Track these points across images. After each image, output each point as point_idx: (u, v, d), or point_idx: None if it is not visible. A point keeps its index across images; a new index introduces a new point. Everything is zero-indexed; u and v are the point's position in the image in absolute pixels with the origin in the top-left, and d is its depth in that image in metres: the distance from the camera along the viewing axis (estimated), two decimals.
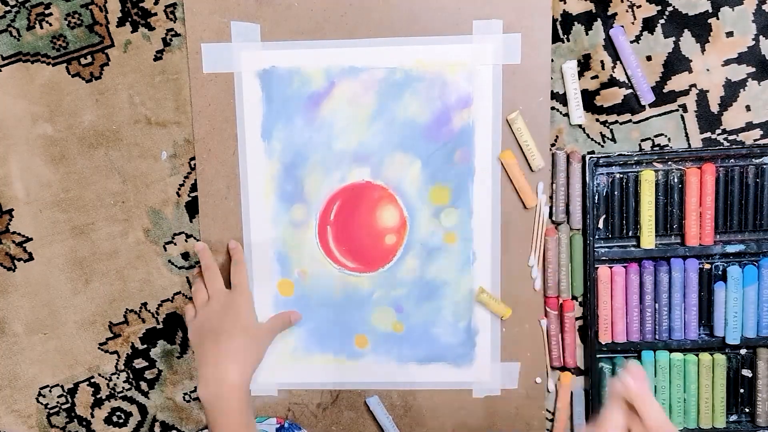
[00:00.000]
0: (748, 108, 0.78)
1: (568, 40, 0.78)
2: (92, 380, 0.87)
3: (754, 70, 0.77)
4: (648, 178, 0.78)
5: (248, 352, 0.76)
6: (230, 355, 0.74)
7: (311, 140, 0.80)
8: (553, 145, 0.80)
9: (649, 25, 0.77)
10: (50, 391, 0.87)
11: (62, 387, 0.87)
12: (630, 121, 0.79)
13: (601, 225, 0.80)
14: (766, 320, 0.79)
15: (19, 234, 0.84)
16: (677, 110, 0.79)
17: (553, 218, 0.80)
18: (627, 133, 0.79)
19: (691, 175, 0.78)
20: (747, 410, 0.82)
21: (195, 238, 0.83)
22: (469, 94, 0.78)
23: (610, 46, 0.78)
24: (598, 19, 0.77)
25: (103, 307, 0.85)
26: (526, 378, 0.83)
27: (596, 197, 0.79)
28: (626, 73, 0.78)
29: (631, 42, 0.77)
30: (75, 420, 0.88)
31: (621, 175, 0.79)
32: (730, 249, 0.79)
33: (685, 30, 0.77)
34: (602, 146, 0.80)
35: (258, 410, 0.85)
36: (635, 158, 0.78)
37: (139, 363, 0.86)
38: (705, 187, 0.78)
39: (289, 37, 0.79)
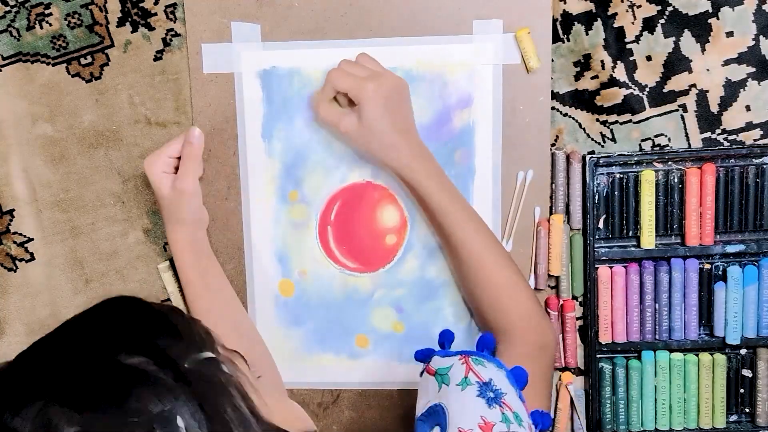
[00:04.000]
0: (748, 108, 0.78)
1: (568, 40, 0.78)
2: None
3: (754, 70, 0.77)
4: (648, 178, 0.78)
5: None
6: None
7: (312, 140, 0.80)
8: (553, 145, 0.80)
9: (649, 25, 0.77)
10: None
11: None
12: (630, 121, 0.79)
13: (601, 225, 0.80)
14: (766, 320, 0.79)
15: (20, 234, 0.84)
16: (677, 110, 0.79)
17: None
18: (627, 133, 0.79)
19: (691, 175, 0.78)
20: (747, 410, 0.82)
21: None
22: (470, 94, 0.78)
23: (610, 45, 0.78)
24: (599, 19, 0.78)
25: None
26: None
27: (596, 197, 0.79)
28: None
29: (631, 42, 0.78)
30: None
31: (621, 175, 0.79)
32: (731, 249, 0.79)
33: (686, 30, 0.77)
34: (602, 146, 0.80)
35: None
36: (635, 158, 0.78)
37: None
38: (705, 187, 0.78)
39: (290, 38, 0.79)
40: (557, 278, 0.81)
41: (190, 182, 0.76)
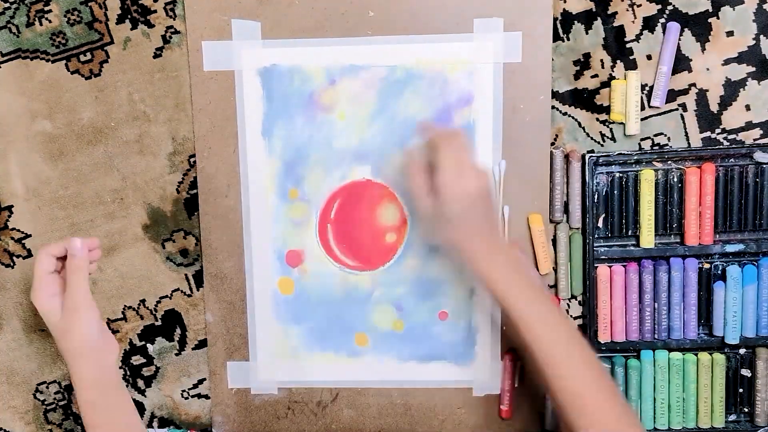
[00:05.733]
0: (748, 107, 0.78)
1: (568, 39, 0.78)
2: None
3: (754, 69, 0.77)
4: (647, 178, 0.78)
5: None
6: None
7: (312, 138, 0.80)
8: (552, 143, 0.80)
9: (649, 24, 0.77)
10: (47, 387, 0.87)
11: (59, 384, 0.87)
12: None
13: (600, 224, 0.80)
14: (765, 320, 0.79)
15: (18, 230, 0.83)
16: (677, 109, 0.79)
17: (552, 217, 0.80)
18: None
19: (690, 175, 0.78)
20: (746, 410, 0.82)
21: (194, 235, 0.83)
22: (470, 93, 0.78)
23: (609, 45, 0.78)
24: (598, 18, 0.78)
25: (101, 303, 0.84)
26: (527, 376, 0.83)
27: (596, 196, 0.79)
28: (656, 71, 0.78)
29: (631, 41, 0.78)
30: (71, 417, 0.87)
31: (620, 175, 0.79)
32: (730, 248, 0.79)
33: (686, 29, 0.77)
34: (602, 145, 0.80)
35: (258, 408, 0.85)
36: (635, 157, 0.78)
37: (136, 360, 0.86)
38: (704, 187, 0.78)
39: (290, 36, 0.79)
40: (556, 277, 0.81)
41: (80, 297, 0.68)
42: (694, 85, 0.78)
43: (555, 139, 0.80)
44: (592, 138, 0.80)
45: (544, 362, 0.65)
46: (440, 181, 0.68)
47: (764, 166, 0.77)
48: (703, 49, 0.77)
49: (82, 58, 0.81)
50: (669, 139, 0.79)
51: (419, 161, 0.71)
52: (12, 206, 0.83)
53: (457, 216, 0.68)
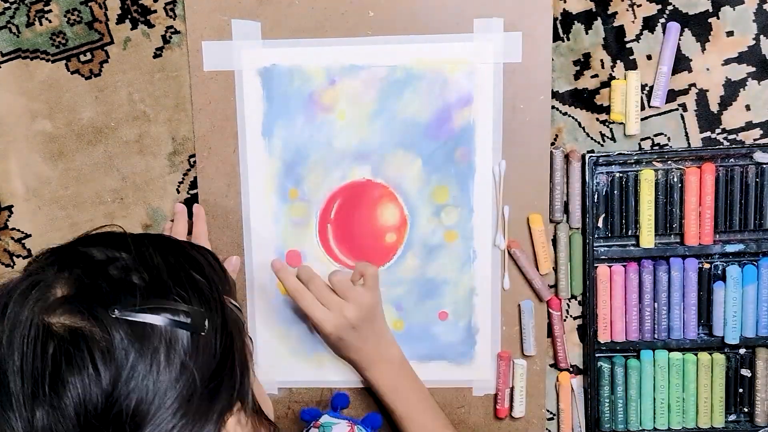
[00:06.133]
0: (748, 107, 0.78)
1: (568, 39, 0.78)
2: None
3: (754, 69, 0.77)
4: (647, 178, 0.78)
5: None
6: None
7: (312, 138, 0.80)
8: (552, 143, 0.80)
9: (649, 24, 0.77)
10: None
11: None
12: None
13: (600, 224, 0.80)
14: (765, 320, 0.80)
15: (18, 230, 0.83)
16: (677, 109, 0.79)
17: (552, 217, 0.80)
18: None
19: (690, 175, 0.78)
20: (746, 410, 0.82)
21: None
22: (470, 93, 0.78)
23: (609, 45, 0.78)
24: (598, 18, 0.78)
25: None
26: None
27: (596, 196, 0.79)
28: (656, 70, 0.78)
29: (631, 41, 0.78)
30: None
31: (620, 175, 0.79)
32: (730, 248, 0.79)
33: (686, 29, 0.77)
34: (602, 145, 0.80)
35: None
36: (635, 157, 0.78)
37: None
38: (704, 187, 0.78)
39: (290, 36, 0.79)
40: (556, 277, 0.81)
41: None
42: (694, 85, 0.78)
43: (555, 139, 0.80)
44: (592, 138, 0.80)
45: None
46: (316, 323, 0.76)
47: (764, 166, 0.77)
48: (703, 49, 0.77)
49: (82, 58, 0.81)
50: (669, 139, 0.79)
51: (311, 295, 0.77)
52: (12, 206, 0.83)
53: (347, 336, 0.77)
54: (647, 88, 0.78)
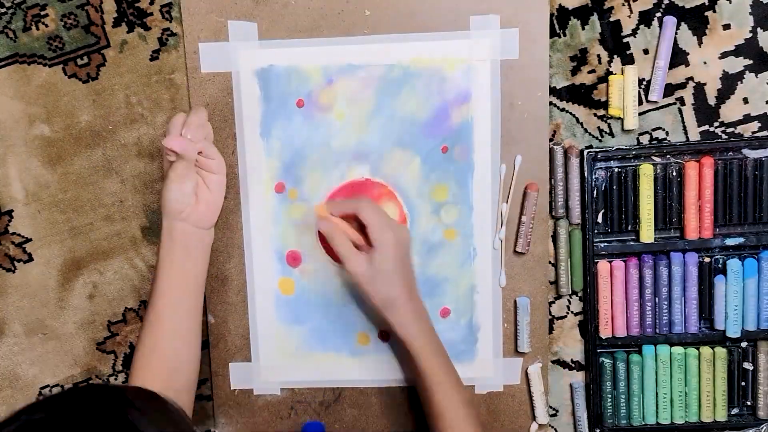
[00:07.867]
0: (745, 100, 0.78)
1: (565, 35, 0.78)
2: (90, 381, 0.86)
3: (751, 62, 0.77)
4: (646, 172, 0.78)
5: None
6: None
7: (310, 138, 0.80)
8: (551, 140, 0.80)
9: (645, 18, 0.77)
10: (50, 390, 0.87)
11: (62, 387, 0.87)
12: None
13: (600, 220, 0.80)
14: (766, 313, 0.80)
15: (18, 235, 0.83)
16: (675, 103, 0.79)
17: (553, 213, 0.80)
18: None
19: (689, 169, 0.78)
20: (748, 403, 0.82)
21: None
22: (468, 90, 0.78)
23: (606, 40, 0.78)
24: (594, 14, 0.78)
25: (102, 306, 0.85)
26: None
27: (595, 192, 0.79)
28: (653, 65, 0.78)
29: (628, 36, 0.78)
30: None
31: (619, 170, 0.79)
32: (730, 242, 0.79)
33: (682, 23, 0.77)
34: (600, 141, 0.80)
35: (261, 409, 0.85)
36: (633, 152, 0.78)
37: None
38: (704, 180, 0.78)
39: (287, 36, 0.79)
40: (556, 273, 0.81)
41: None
42: (691, 78, 0.78)
43: (553, 135, 0.80)
44: (590, 133, 0.80)
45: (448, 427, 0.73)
46: (374, 235, 0.72)
47: (763, 159, 0.77)
48: (700, 43, 0.77)
49: (79, 61, 0.81)
50: (667, 133, 0.79)
51: (339, 227, 0.74)
52: (12, 211, 0.83)
53: (393, 269, 0.73)
54: (644, 83, 0.78)
